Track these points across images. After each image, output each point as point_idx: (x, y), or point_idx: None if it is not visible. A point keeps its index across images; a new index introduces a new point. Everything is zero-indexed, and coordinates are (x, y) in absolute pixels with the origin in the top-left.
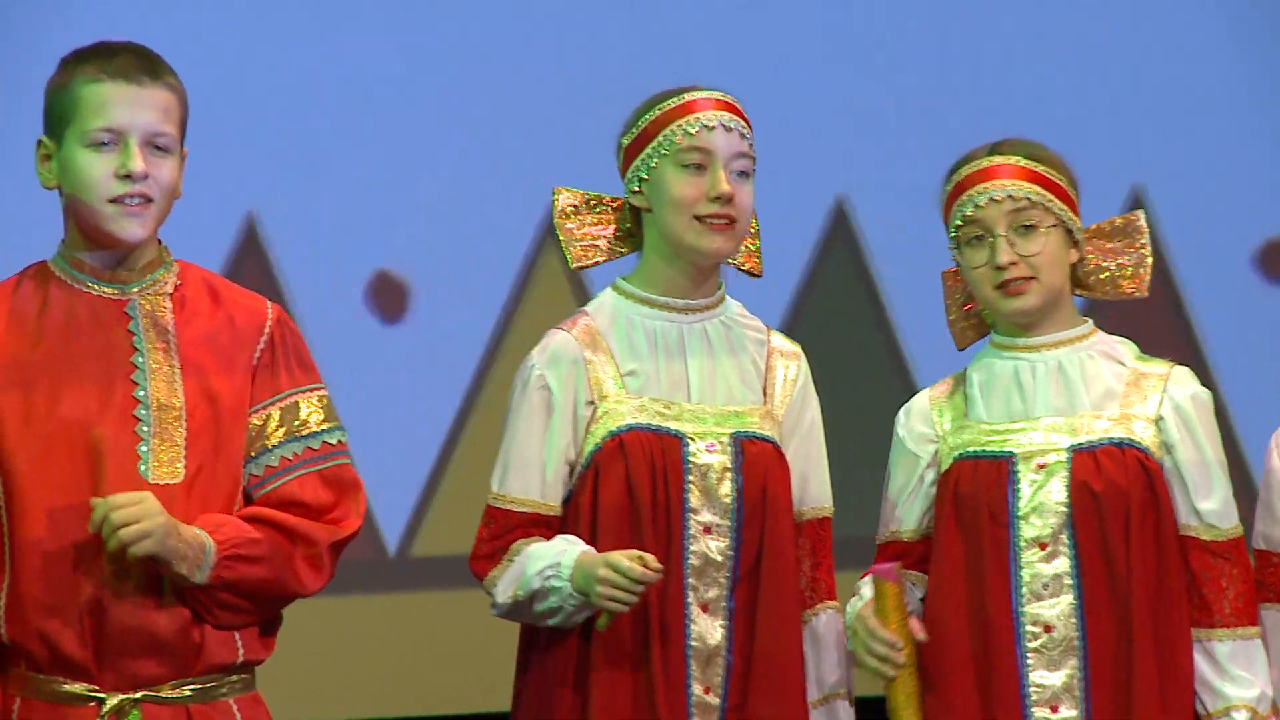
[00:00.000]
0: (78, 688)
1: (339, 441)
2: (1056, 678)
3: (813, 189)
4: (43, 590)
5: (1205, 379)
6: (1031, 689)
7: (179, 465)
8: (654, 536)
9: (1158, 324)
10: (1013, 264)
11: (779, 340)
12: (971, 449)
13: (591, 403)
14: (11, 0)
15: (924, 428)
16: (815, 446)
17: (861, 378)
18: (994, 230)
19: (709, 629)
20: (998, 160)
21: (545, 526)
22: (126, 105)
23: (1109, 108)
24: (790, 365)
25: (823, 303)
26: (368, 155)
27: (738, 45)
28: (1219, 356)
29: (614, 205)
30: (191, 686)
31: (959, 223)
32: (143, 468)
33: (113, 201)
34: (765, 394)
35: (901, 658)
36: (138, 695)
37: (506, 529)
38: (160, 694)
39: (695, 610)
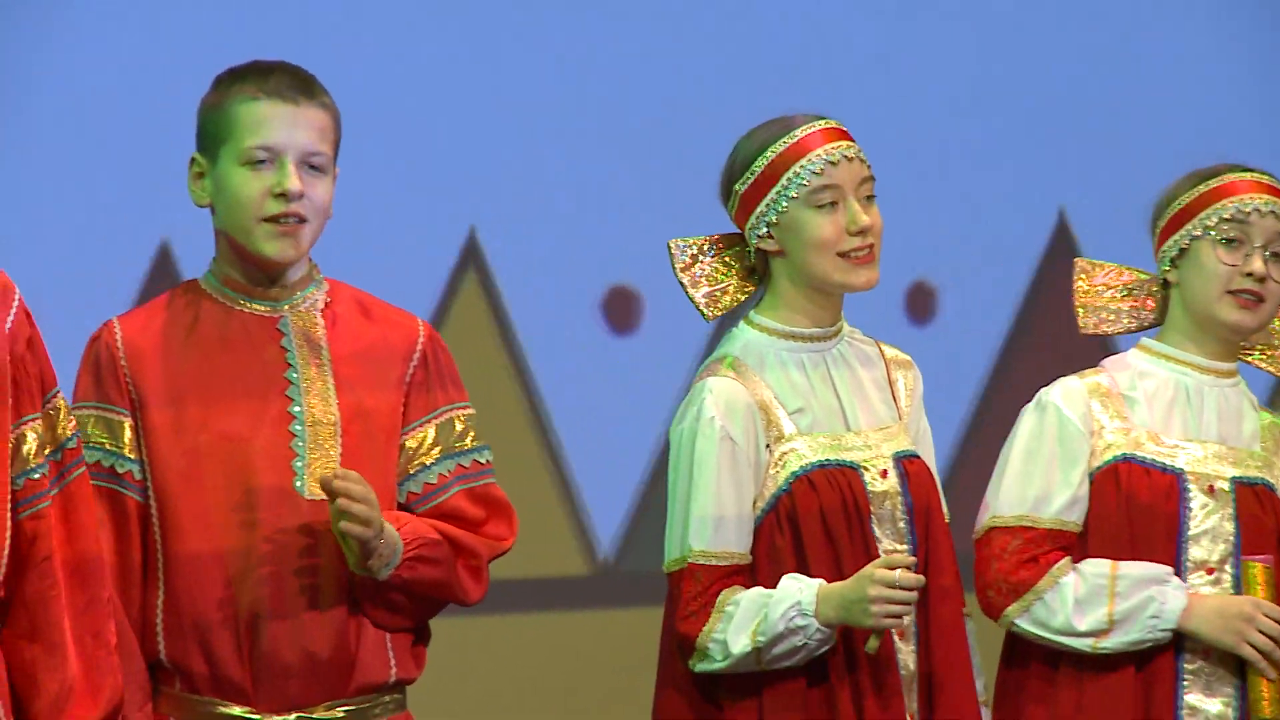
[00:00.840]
0: (236, 710)
1: (488, 460)
2: (1213, 705)
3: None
4: (197, 606)
5: None
6: (1184, 712)
7: None
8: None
9: None
10: (1262, 280)
11: (891, 351)
12: (1140, 455)
13: (769, 446)
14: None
15: (1085, 417)
16: (929, 452)
17: None
18: (1254, 240)
19: (908, 656)
20: (1271, 182)
21: (741, 575)
22: (283, 124)
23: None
24: (907, 375)
25: None
26: (582, 169)
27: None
28: None
29: (726, 243)
30: (345, 708)
31: (1221, 219)
32: (298, 483)
33: (266, 220)
34: (897, 407)
35: None
36: (292, 718)
37: (710, 583)
38: (314, 716)
39: (897, 641)
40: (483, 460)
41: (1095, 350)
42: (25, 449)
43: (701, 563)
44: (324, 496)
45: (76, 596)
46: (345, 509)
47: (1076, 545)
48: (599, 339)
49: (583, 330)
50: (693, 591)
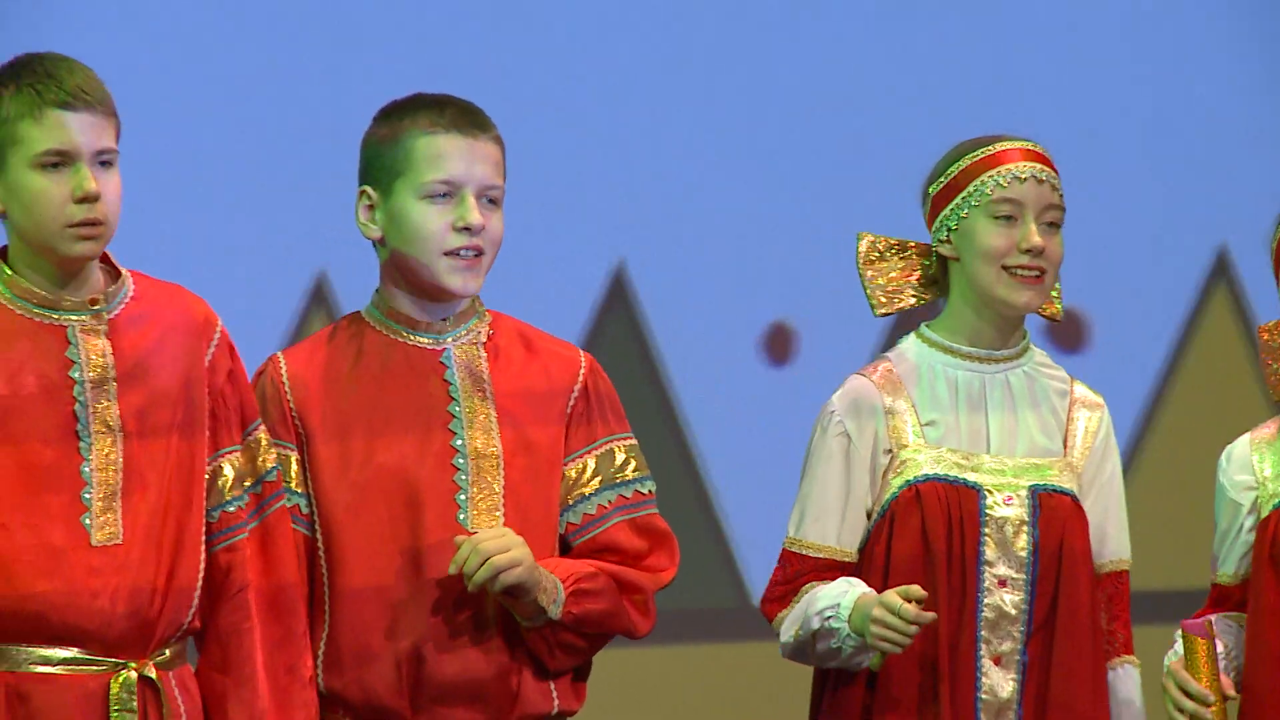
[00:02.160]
0: None
1: (650, 491)
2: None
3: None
4: (361, 639)
5: None
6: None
7: (498, 514)
8: (948, 588)
9: None
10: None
11: (1081, 390)
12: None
13: (889, 451)
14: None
15: (1243, 475)
16: (1115, 499)
17: None
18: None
19: (1000, 682)
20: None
21: (840, 572)
22: (462, 158)
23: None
24: (1092, 416)
25: None
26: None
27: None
28: None
29: (918, 251)
30: None
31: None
32: (462, 516)
33: (447, 254)
34: (1065, 445)
35: (1209, 714)
36: None
37: (800, 573)
38: None
39: (988, 663)
40: (644, 490)
41: (1252, 384)
42: (222, 481)
43: (795, 550)
44: (489, 526)
45: (272, 629)
46: (488, 564)
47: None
48: (750, 372)
49: (733, 363)
50: (780, 577)
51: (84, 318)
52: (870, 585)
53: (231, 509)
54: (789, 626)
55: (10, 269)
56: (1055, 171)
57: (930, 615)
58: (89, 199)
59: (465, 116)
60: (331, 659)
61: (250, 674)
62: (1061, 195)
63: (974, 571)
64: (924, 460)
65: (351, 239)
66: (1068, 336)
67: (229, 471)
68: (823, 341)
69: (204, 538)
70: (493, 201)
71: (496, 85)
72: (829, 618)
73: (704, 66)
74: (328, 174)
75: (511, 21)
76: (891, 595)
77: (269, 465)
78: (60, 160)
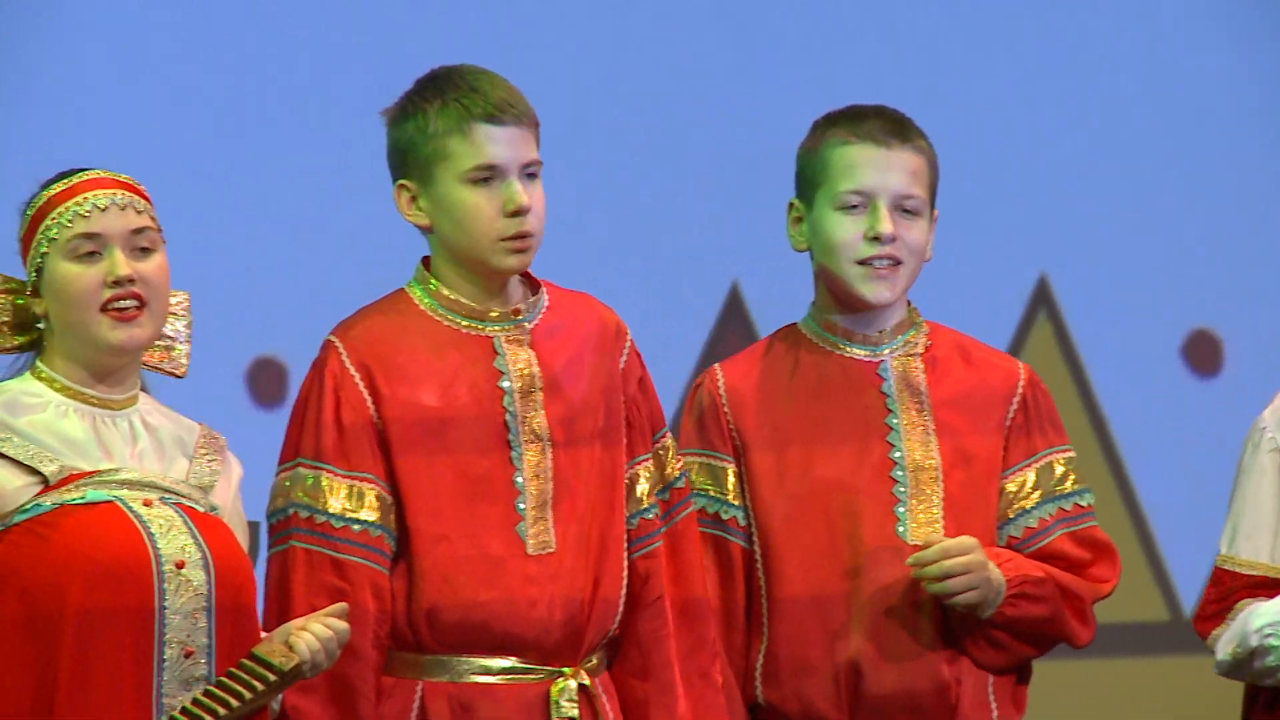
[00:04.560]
0: None
1: (1089, 504)
2: None
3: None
4: (799, 651)
5: None
6: None
7: (937, 526)
8: None
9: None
10: None
11: None
12: None
13: None
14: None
15: None
16: None
17: None
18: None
19: None
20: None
21: (1274, 589)
22: (874, 168)
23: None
24: None
25: None
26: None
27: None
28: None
29: None
30: None
31: None
32: (900, 528)
33: (860, 263)
34: None
35: None
36: None
37: (1233, 590)
38: None
39: None
40: (1084, 504)
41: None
42: (639, 489)
43: (1227, 568)
44: (927, 543)
45: (684, 636)
46: (942, 584)
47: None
48: (1178, 382)
49: (1160, 374)
50: (1213, 595)
51: (508, 328)
52: None
53: (649, 516)
54: (1225, 644)
55: (436, 281)
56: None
57: None
58: (520, 212)
59: (884, 126)
60: (770, 671)
61: (670, 681)
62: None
63: None
64: None
65: (764, 249)
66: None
67: (644, 479)
68: (1251, 349)
69: (625, 546)
70: (910, 212)
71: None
72: (1268, 635)
73: (1111, 71)
74: (741, 185)
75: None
76: None
77: (676, 473)
78: (490, 175)
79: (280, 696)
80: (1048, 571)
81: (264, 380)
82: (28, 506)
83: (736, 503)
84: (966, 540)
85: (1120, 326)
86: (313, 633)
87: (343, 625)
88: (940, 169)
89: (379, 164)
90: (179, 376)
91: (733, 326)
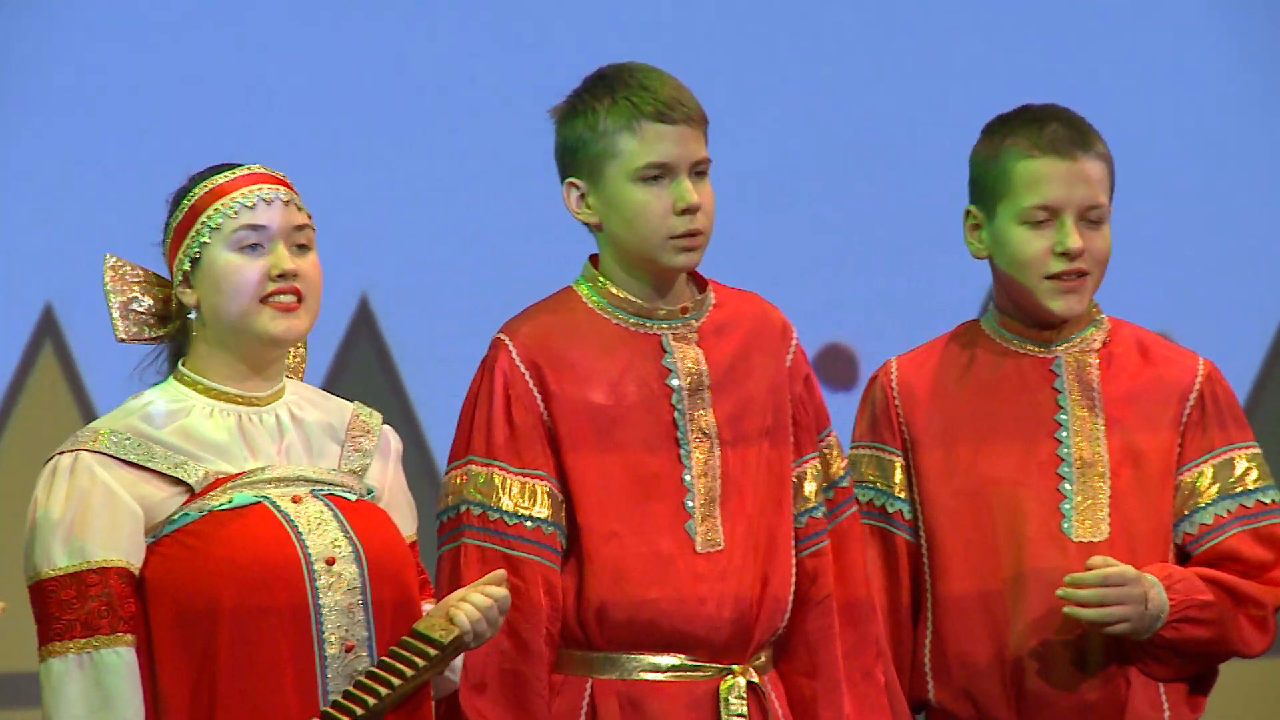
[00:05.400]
0: None
1: (1273, 500)
2: None
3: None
4: (964, 648)
5: None
6: None
7: (1103, 524)
8: None
9: None
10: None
11: None
12: None
13: None
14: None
15: None
16: None
17: None
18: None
19: None
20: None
21: None
22: (1061, 183)
23: None
24: None
25: None
26: None
27: None
28: None
29: None
30: None
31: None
32: (1066, 526)
33: (1049, 278)
34: None
35: None
36: None
37: None
38: None
39: None
40: (1266, 500)
41: None
42: (806, 487)
43: None
44: (1096, 539)
45: (847, 634)
46: (1099, 610)
47: None
48: None
49: None
50: None
51: (676, 326)
52: None
53: (816, 515)
54: None
55: (604, 279)
56: None
57: None
58: (690, 210)
59: (1066, 135)
60: (938, 668)
61: (836, 679)
62: None
63: None
64: None
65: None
66: None
67: (811, 477)
68: None
69: (793, 544)
70: (1093, 222)
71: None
72: None
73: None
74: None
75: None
76: None
77: (841, 471)
78: (660, 173)
79: (456, 696)
80: (1223, 583)
81: None
82: (175, 517)
83: (903, 496)
84: (1127, 572)
85: None
86: (472, 603)
87: (502, 592)
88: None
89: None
90: (297, 379)
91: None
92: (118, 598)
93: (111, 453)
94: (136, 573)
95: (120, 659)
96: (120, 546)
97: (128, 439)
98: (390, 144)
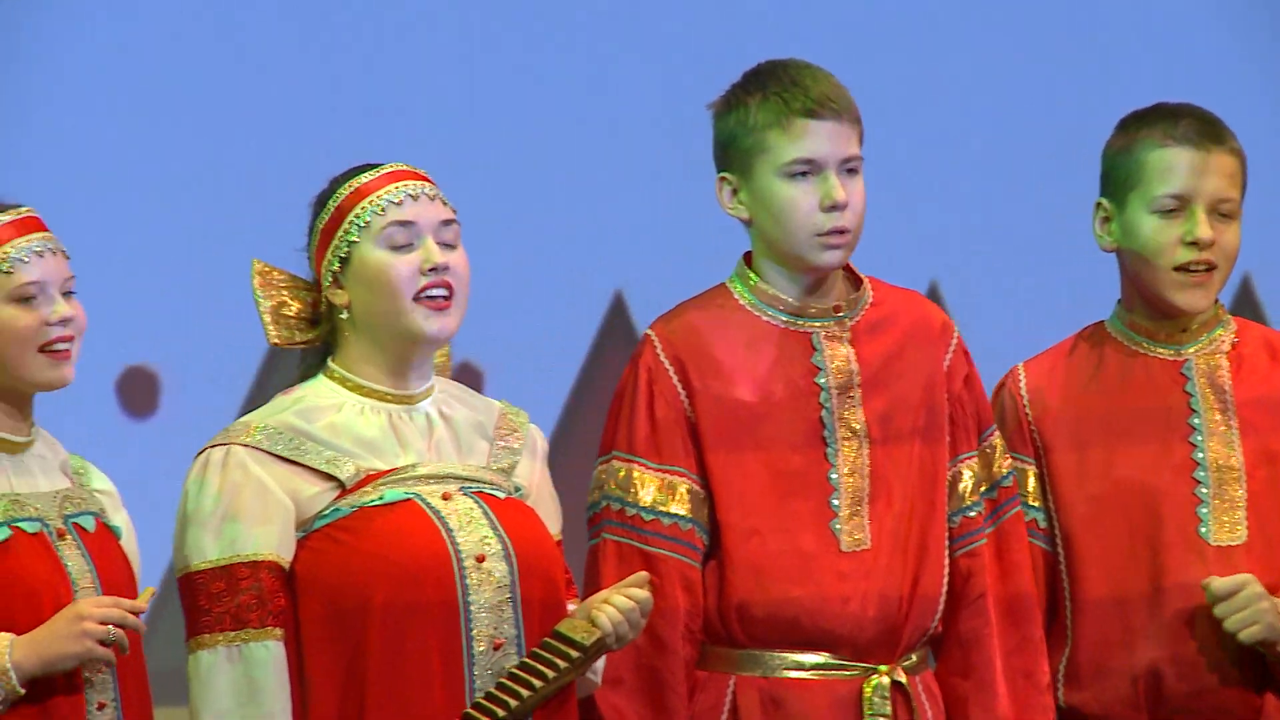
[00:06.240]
0: None
1: None
2: None
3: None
4: (1100, 653)
5: None
6: None
7: (1240, 528)
8: None
9: None
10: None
11: None
12: None
13: None
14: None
15: None
16: None
17: None
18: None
19: None
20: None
21: None
22: (1192, 172)
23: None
24: None
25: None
26: None
27: None
28: None
29: None
30: None
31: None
32: (1203, 529)
33: (1178, 269)
34: None
35: None
36: None
37: None
38: None
39: None
40: None
41: None
42: (962, 486)
43: None
44: (1233, 542)
45: (1008, 635)
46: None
47: None
48: None
49: None
50: None
51: (828, 324)
52: None
53: (972, 514)
54: None
55: (756, 276)
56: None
57: None
58: (836, 207)
59: (1199, 128)
60: (1071, 673)
61: (991, 679)
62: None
63: None
64: None
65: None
66: None
67: (968, 477)
68: None
69: (946, 544)
70: (1225, 215)
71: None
72: None
73: None
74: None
75: None
76: None
77: (1004, 471)
78: (807, 169)
79: (595, 690)
80: None
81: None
82: (326, 512)
83: (1036, 504)
84: (1239, 578)
85: None
86: (614, 605)
87: (644, 594)
88: None
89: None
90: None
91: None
92: (268, 591)
93: (264, 447)
94: (287, 567)
95: (269, 653)
96: (271, 541)
97: (280, 434)
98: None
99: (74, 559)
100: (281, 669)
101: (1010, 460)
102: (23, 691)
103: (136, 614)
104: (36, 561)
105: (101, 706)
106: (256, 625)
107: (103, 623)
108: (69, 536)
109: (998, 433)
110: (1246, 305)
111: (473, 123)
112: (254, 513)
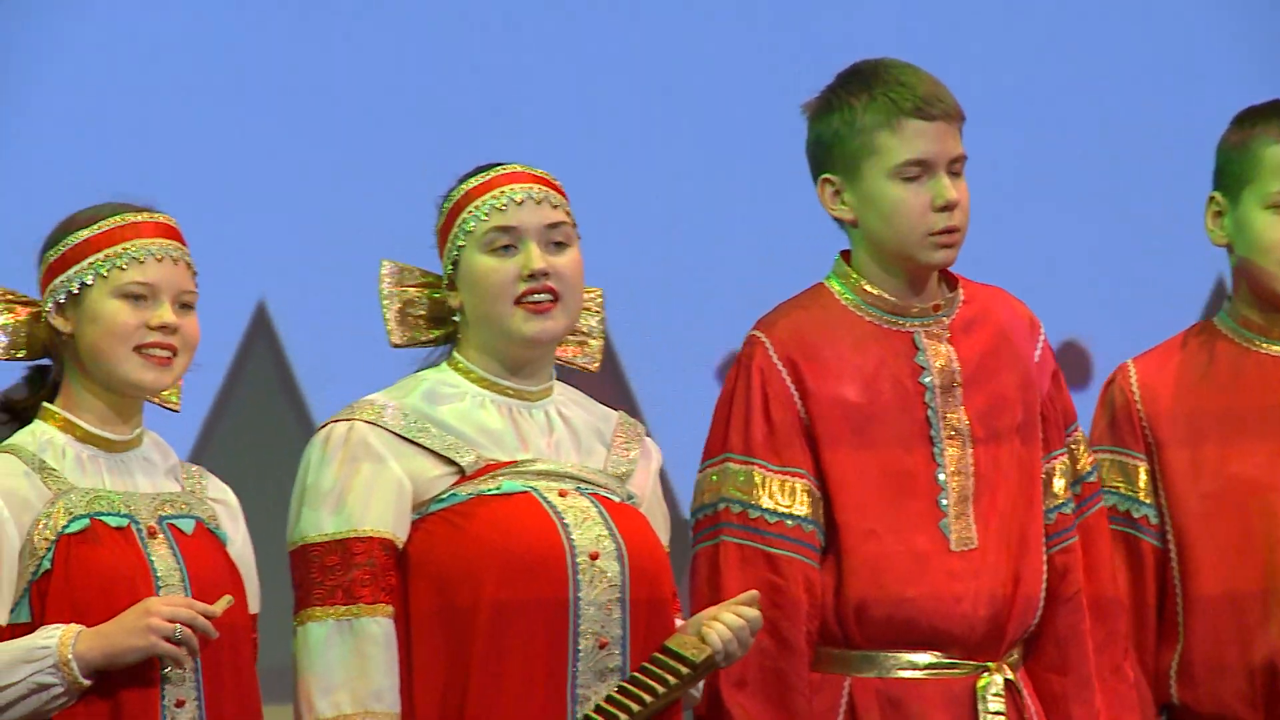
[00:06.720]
0: None
1: None
2: None
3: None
4: (1214, 650)
5: None
6: None
7: None
8: None
9: None
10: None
11: None
12: None
13: None
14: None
15: None
16: None
17: None
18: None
19: None
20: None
21: None
22: None
23: None
24: None
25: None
26: None
27: None
28: None
29: None
30: None
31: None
32: None
33: None
34: None
35: None
36: None
37: None
38: None
39: None
40: None
41: None
42: (1055, 483)
43: None
44: None
45: (1096, 630)
46: None
47: None
48: None
49: None
50: None
51: (928, 323)
52: None
53: (1065, 511)
54: None
55: (857, 275)
56: None
57: None
58: (948, 207)
59: None
60: (1185, 670)
61: (1088, 675)
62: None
63: None
64: None
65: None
66: None
67: (1060, 473)
68: None
69: (1044, 541)
70: None
71: None
72: None
73: None
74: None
75: None
76: None
77: (1088, 467)
78: (919, 170)
79: (719, 693)
80: None
81: None
82: (443, 496)
83: (1148, 501)
84: None
85: None
86: (724, 622)
87: (754, 613)
88: None
89: None
90: (592, 371)
91: None
92: (381, 568)
93: (387, 425)
94: (400, 546)
95: (380, 629)
96: (388, 518)
97: (404, 415)
98: None
99: (163, 557)
100: (392, 645)
101: (1093, 456)
102: (87, 683)
103: (210, 618)
104: (116, 555)
105: (180, 704)
106: (369, 601)
107: (170, 620)
108: (160, 535)
109: (1080, 429)
110: None
111: None
112: (372, 489)
